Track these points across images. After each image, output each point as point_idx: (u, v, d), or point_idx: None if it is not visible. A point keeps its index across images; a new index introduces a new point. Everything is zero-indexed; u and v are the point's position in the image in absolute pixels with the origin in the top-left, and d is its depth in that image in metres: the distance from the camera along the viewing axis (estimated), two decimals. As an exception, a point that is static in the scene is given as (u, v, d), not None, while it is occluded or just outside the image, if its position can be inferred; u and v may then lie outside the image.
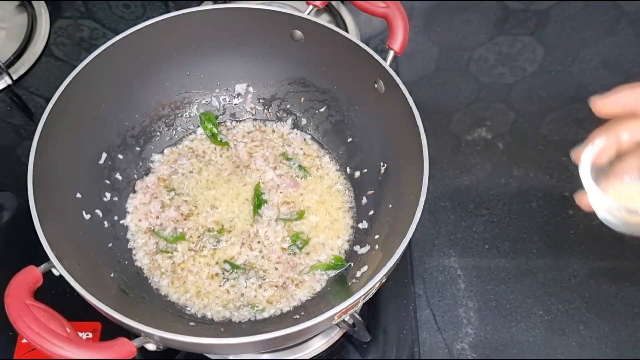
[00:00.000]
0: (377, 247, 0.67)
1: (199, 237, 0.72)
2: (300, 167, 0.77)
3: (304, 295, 0.69)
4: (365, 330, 0.67)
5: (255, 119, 0.82)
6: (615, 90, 0.54)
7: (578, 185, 0.55)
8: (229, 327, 0.67)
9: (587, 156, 0.54)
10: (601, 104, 0.54)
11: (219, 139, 0.79)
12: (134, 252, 0.72)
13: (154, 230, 0.73)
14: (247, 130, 0.81)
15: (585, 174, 0.54)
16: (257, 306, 0.68)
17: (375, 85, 0.69)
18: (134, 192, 0.76)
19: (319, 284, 0.70)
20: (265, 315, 0.68)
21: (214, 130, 0.79)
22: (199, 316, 0.68)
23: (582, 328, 0.75)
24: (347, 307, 0.54)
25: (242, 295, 0.69)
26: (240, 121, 0.82)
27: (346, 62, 0.71)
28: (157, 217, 0.74)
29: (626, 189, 0.56)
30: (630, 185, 0.56)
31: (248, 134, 0.81)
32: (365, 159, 0.75)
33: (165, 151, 0.79)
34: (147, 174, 0.77)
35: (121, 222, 0.73)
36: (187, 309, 0.68)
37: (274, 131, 0.81)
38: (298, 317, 0.66)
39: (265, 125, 0.81)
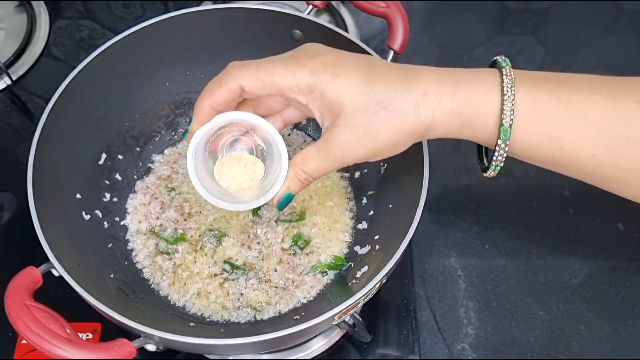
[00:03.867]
0: (377, 247, 0.67)
1: (199, 236, 0.72)
2: None
3: (304, 295, 0.69)
4: (365, 330, 0.67)
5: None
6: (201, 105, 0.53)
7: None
8: (229, 328, 0.67)
9: (193, 142, 0.55)
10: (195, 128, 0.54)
11: None
12: (134, 253, 0.72)
13: (154, 231, 0.73)
14: None
15: (189, 159, 0.56)
16: (256, 307, 0.68)
17: (375, 85, 0.69)
18: (134, 192, 0.75)
19: (319, 284, 0.70)
20: (265, 316, 0.68)
21: None
22: (199, 317, 0.68)
23: (583, 328, 0.75)
24: (347, 308, 0.54)
25: (242, 295, 0.69)
26: (240, 121, 0.81)
27: (346, 62, 0.71)
28: (157, 218, 0.73)
29: (224, 169, 0.58)
30: (225, 164, 0.58)
31: (248, 134, 0.80)
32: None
33: (166, 151, 0.79)
34: (147, 174, 0.77)
35: (121, 222, 0.73)
36: (187, 309, 0.68)
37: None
38: (298, 317, 0.66)
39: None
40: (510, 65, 0.49)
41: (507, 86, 0.47)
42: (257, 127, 0.56)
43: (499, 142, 0.50)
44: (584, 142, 0.48)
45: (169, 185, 0.76)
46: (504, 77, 0.48)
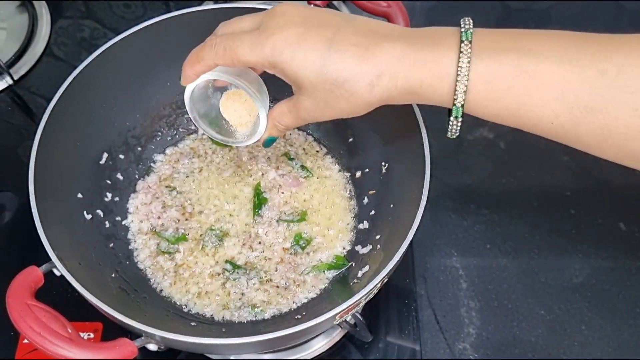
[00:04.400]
0: (378, 247, 0.67)
1: (200, 236, 0.72)
2: (302, 167, 0.77)
3: (306, 295, 0.69)
4: (366, 330, 0.67)
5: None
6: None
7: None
8: (230, 327, 0.67)
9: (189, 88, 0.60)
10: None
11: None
12: (135, 253, 0.72)
13: (155, 231, 0.73)
14: None
15: (187, 100, 0.60)
16: (258, 306, 0.68)
17: (377, 85, 0.69)
18: (135, 192, 0.75)
19: (321, 284, 0.70)
20: (266, 315, 0.68)
21: None
22: (200, 316, 0.68)
23: (584, 328, 0.75)
24: (348, 307, 0.54)
25: (243, 295, 0.69)
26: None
27: (347, 62, 0.71)
28: (159, 218, 0.73)
29: (228, 103, 0.63)
30: (229, 97, 0.63)
31: (249, 134, 0.80)
32: (366, 159, 0.75)
33: (167, 151, 0.79)
34: (148, 174, 0.77)
35: (122, 222, 0.73)
36: (189, 309, 0.68)
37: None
38: (299, 317, 0.66)
39: None
40: (469, 38, 0.49)
41: (461, 66, 0.48)
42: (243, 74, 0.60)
43: (451, 118, 0.51)
44: (543, 111, 0.49)
45: (171, 185, 0.76)
46: (461, 54, 0.48)
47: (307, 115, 0.55)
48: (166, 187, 0.76)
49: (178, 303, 0.68)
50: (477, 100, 0.49)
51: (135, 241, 0.72)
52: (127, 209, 0.74)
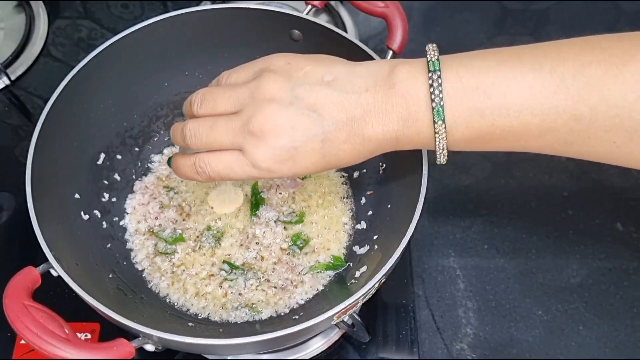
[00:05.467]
0: (376, 247, 0.67)
1: (197, 237, 0.72)
2: None
3: (303, 296, 0.69)
4: (364, 330, 0.67)
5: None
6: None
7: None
8: (227, 328, 0.67)
9: None
10: None
11: None
12: (132, 253, 0.72)
13: (153, 231, 0.73)
14: None
15: None
16: (255, 307, 0.68)
17: (374, 85, 0.69)
18: (133, 192, 0.75)
19: (318, 284, 0.70)
20: (264, 316, 0.68)
21: None
22: (197, 317, 0.68)
23: (582, 328, 0.75)
24: (346, 308, 0.54)
25: (240, 295, 0.69)
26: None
27: (345, 62, 0.71)
28: (156, 218, 0.73)
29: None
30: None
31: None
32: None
33: (165, 151, 0.79)
34: (145, 174, 0.77)
35: (120, 222, 0.73)
36: (186, 309, 0.68)
37: None
38: (297, 317, 0.66)
39: None
40: (442, 117, 0.49)
41: (438, 145, 0.51)
42: None
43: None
44: (526, 145, 0.51)
45: (168, 185, 0.76)
46: (436, 135, 0.50)
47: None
48: (164, 187, 0.76)
49: (175, 303, 0.68)
50: (457, 141, 0.52)
51: (132, 242, 0.72)
52: (125, 209, 0.74)
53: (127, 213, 0.74)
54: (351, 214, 0.74)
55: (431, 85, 0.49)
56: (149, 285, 0.70)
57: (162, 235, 0.72)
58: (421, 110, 0.50)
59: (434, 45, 0.53)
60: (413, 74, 0.51)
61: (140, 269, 0.71)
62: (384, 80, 0.51)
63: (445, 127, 0.50)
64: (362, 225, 0.72)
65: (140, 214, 0.74)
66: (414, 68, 0.51)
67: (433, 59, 0.51)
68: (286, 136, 0.51)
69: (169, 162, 0.62)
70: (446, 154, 0.52)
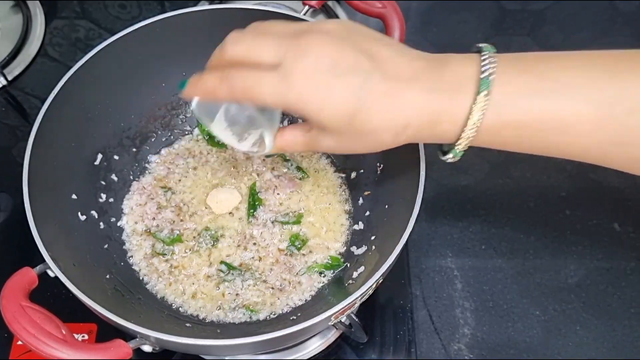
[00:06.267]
0: (373, 247, 0.67)
1: (194, 237, 0.72)
2: (298, 168, 0.77)
3: (301, 296, 0.69)
4: (362, 331, 0.67)
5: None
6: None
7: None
8: (225, 328, 0.67)
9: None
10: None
11: (216, 141, 0.79)
12: (129, 254, 0.71)
13: (150, 232, 0.72)
14: None
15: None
16: (252, 308, 0.68)
17: (372, 86, 0.69)
18: (130, 193, 0.75)
19: (316, 285, 0.70)
20: (261, 317, 0.67)
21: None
22: (195, 317, 0.68)
23: (579, 328, 0.75)
24: (344, 308, 0.54)
25: (238, 295, 0.69)
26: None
27: (343, 63, 0.71)
28: (154, 219, 0.73)
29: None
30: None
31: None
32: (361, 160, 0.75)
33: (162, 151, 0.79)
34: (143, 175, 0.77)
35: (117, 223, 0.73)
36: (183, 310, 0.68)
37: None
38: (295, 318, 0.66)
39: None
40: (488, 87, 0.47)
41: (472, 118, 0.48)
42: None
43: (449, 155, 0.52)
44: (570, 150, 0.50)
45: (166, 186, 0.76)
46: (474, 106, 0.47)
47: (324, 149, 0.54)
48: (161, 187, 0.76)
49: (173, 304, 0.68)
50: (495, 142, 0.50)
51: (129, 242, 0.72)
52: (122, 209, 0.74)
53: (124, 214, 0.74)
54: (349, 214, 0.74)
55: (483, 62, 0.48)
56: (146, 286, 0.69)
57: (160, 235, 0.72)
58: (468, 84, 0.48)
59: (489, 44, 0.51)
60: (467, 58, 0.50)
61: (137, 269, 0.71)
62: (436, 59, 0.50)
63: (488, 100, 0.47)
64: (360, 225, 0.72)
65: (138, 214, 0.74)
66: (469, 57, 0.51)
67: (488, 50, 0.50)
68: (330, 60, 0.47)
69: (182, 85, 0.55)
70: (469, 140, 0.49)
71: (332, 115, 0.48)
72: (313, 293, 0.69)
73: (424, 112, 0.48)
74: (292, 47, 0.48)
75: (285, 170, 0.77)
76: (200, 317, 0.68)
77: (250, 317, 0.67)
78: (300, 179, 0.76)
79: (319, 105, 0.48)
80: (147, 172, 0.77)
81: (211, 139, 0.79)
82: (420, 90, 0.48)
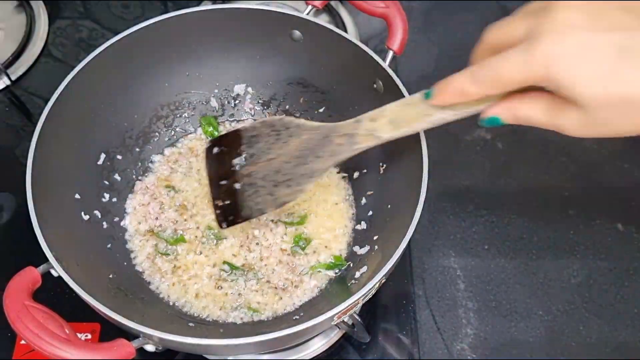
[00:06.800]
0: (376, 247, 0.67)
1: (196, 237, 0.72)
2: None
3: (303, 297, 0.69)
4: (364, 331, 0.67)
5: (255, 120, 0.82)
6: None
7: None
8: (228, 328, 0.67)
9: None
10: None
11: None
12: (133, 254, 0.72)
13: (154, 231, 0.73)
14: None
15: None
16: (255, 307, 0.68)
17: (375, 86, 0.69)
18: (133, 192, 0.75)
19: (319, 285, 0.70)
20: (264, 316, 0.67)
21: (215, 133, 0.79)
22: (198, 317, 0.68)
23: (582, 328, 0.75)
24: (346, 308, 0.54)
25: (240, 295, 0.69)
26: (239, 121, 0.81)
27: (345, 63, 0.71)
28: (157, 218, 0.73)
29: None
30: None
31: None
32: (364, 159, 0.75)
33: (166, 151, 0.79)
34: (146, 175, 0.77)
35: (120, 223, 0.73)
36: (186, 310, 0.68)
37: None
38: (297, 317, 0.66)
39: None
40: None
41: None
42: None
43: None
44: None
45: (169, 185, 0.76)
46: None
47: (566, 126, 0.46)
48: (165, 187, 0.76)
49: (176, 304, 0.68)
50: None
51: (132, 242, 0.72)
52: (125, 209, 0.74)
53: (127, 213, 0.74)
54: (351, 214, 0.74)
55: None
56: (150, 286, 0.70)
57: (163, 235, 0.72)
58: None
59: None
60: None
61: (140, 270, 0.71)
62: None
63: None
64: (363, 225, 0.72)
65: (141, 214, 0.74)
66: None
67: None
68: (580, 15, 0.42)
69: (427, 95, 0.51)
70: None
71: (584, 77, 0.41)
72: (316, 293, 0.69)
73: None
74: (543, 10, 0.44)
75: None
76: (203, 317, 0.68)
77: (252, 318, 0.67)
78: None
79: (568, 67, 0.41)
80: (150, 171, 0.77)
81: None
82: None
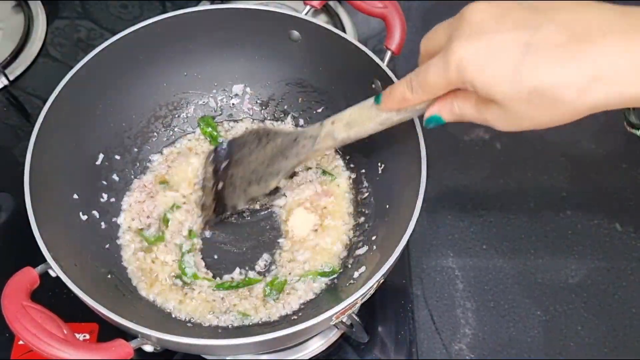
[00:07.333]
0: (374, 247, 0.67)
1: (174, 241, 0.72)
2: (324, 172, 0.76)
3: (294, 305, 0.68)
4: (363, 331, 0.67)
5: (254, 120, 0.81)
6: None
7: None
8: (226, 328, 0.66)
9: None
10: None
11: (219, 141, 0.79)
12: (122, 252, 0.71)
13: (139, 229, 0.72)
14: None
15: None
16: (246, 312, 0.67)
17: (373, 86, 0.69)
18: (131, 190, 0.75)
19: (311, 292, 0.69)
20: (255, 320, 0.67)
21: (214, 133, 0.79)
22: (189, 321, 0.67)
23: (580, 328, 0.75)
24: (345, 308, 0.54)
25: (230, 302, 0.68)
26: (238, 121, 0.81)
27: (344, 63, 0.71)
28: (148, 217, 0.73)
29: None
30: None
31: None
32: (362, 159, 0.75)
33: (164, 151, 0.79)
34: (144, 173, 0.77)
35: (118, 223, 0.73)
36: (175, 315, 0.67)
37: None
38: (296, 317, 0.66)
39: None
40: None
41: None
42: None
43: None
44: None
45: (165, 180, 0.76)
46: None
47: (493, 121, 0.48)
48: (160, 182, 0.75)
49: (160, 305, 0.68)
50: None
51: (123, 238, 0.72)
52: (121, 206, 0.74)
53: (123, 210, 0.74)
54: (350, 214, 0.74)
55: None
56: (133, 284, 0.69)
57: (145, 234, 0.72)
58: None
59: None
60: None
61: (126, 266, 0.70)
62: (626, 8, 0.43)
63: None
64: (361, 225, 0.72)
65: (135, 212, 0.74)
66: None
67: None
68: (488, 16, 0.44)
69: (377, 99, 0.55)
70: None
71: (493, 74, 0.43)
72: (308, 300, 0.69)
73: (621, 61, 0.40)
74: (456, 20, 0.47)
75: (312, 176, 0.76)
76: (194, 321, 0.67)
77: (243, 322, 0.67)
78: (329, 183, 0.76)
79: (478, 67, 0.44)
80: (148, 170, 0.77)
81: (215, 140, 0.79)
82: (612, 37, 0.41)
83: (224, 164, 0.70)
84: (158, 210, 0.74)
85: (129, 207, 0.74)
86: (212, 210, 0.71)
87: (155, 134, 0.78)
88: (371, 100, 0.56)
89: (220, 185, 0.70)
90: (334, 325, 0.58)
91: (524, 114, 0.44)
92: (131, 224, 0.73)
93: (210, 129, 0.79)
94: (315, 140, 0.63)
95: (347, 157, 0.77)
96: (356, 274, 0.66)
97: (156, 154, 0.78)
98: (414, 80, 0.50)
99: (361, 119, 0.58)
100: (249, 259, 0.72)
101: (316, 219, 0.73)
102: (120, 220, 0.73)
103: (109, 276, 0.66)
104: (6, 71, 0.91)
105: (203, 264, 0.71)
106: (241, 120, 0.81)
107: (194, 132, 0.80)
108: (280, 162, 0.67)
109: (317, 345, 0.73)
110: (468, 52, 0.44)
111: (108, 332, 0.68)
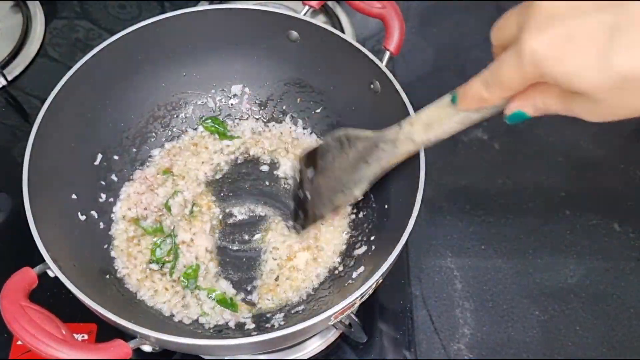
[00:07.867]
0: (373, 247, 0.67)
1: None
2: None
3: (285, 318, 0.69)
4: (361, 331, 0.67)
5: (257, 120, 0.81)
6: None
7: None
8: (225, 328, 0.66)
9: None
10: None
11: (228, 135, 0.79)
12: (113, 241, 0.71)
13: (136, 219, 0.72)
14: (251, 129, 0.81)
15: None
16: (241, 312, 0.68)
17: (372, 86, 0.69)
18: (132, 180, 0.75)
19: (304, 294, 0.70)
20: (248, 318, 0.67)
21: (220, 129, 0.79)
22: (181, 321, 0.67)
23: (579, 328, 0.75)
24: (343, 308, 0.54)
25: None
26: (236, 121, 0.81)
27: (342, 63, 0.71)
28: (146, 209, 0.73)
29: None
30: None
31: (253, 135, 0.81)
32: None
33: (167, 145, 0.79)
34: (147, 166, 0.77)
35: (114, 210, 0.73)
36: (172, 315, 0.67)
37: (281, 134, 0.80)
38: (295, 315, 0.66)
39: (269, 129, 0.81)
40: None
41: None
42: None
43: None
44: None
45: (168, 170, 0.76)
46: None
47: (581, 113, 0.44)
48: (162, 172, 0.76)
49: (157, 306, 0.68)
50: None
51: (116, 228, 0.72)
52: (119, 195, 0.74)
53: (120, 199, 0.74)
54: (348, 214, 0.74)
55: None
56: (117, 274, 0.69)
57: (143, 224, 0.72)
58: None
59: None
60: None
61: (114, 256, 0.70)
62: None
63: None
64: (360, 225, 0.72)
65: (133, 202, 0.73)
66: None
67: None
68: (563, 6, 0.40)
69: (454, 99, 0.52)
70: None
71: (575, 64, 0.40)
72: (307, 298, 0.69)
73: None
74: (528, 8, 0.43)
75: None
76: (191, 321, 0.67)
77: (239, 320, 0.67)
78: None
79: (556, 59, 0.40)
80: (151, 163, 0.77)
81: (223, 135, 0.79)
82: None
83: (309, 172, 0.67)
84: (157, 202, 0.73)
85: (127, 196, 0.74)
86: (304, 218, 0.69)
87: (153, 134, 0.78)
88: (447, 98, 0.53)
89: (309, 194, 0.68)
90: (333, 325, 0.58)
91: (618, 103, 0.41)
92: (127, 213, 0.73)
93: (215, 125, 0.79)
94: (394, 144, 0.59)
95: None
96: (355, 274, 0.66)
97: (157, 147, 0.78)
98: (489, 77, 0.46)
99: (439, 119, 0.55)
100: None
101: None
102: (116, 208, 0.73)
103: (107, 276, 0.66)
104: (4, 71, 0.91)
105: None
106: (240, 119, 0.81)
107: (195, 131, 0.80)
108: (363, 168, 0.63)
109: (316, 345, 0.73)
110: (542, 43, 0.40)
111: (107, 332, 0.68)
